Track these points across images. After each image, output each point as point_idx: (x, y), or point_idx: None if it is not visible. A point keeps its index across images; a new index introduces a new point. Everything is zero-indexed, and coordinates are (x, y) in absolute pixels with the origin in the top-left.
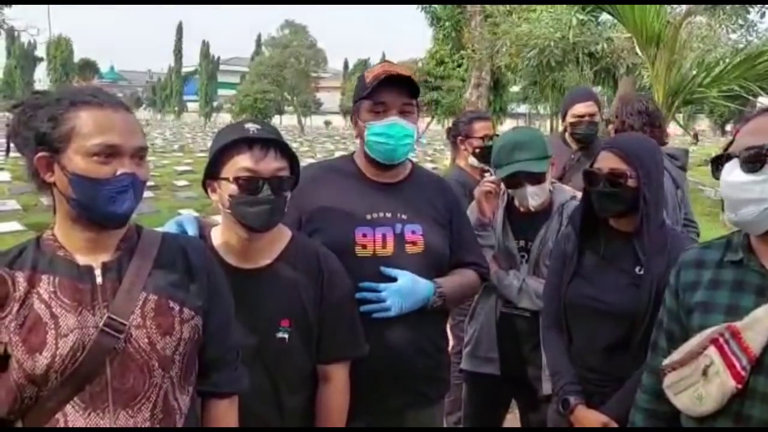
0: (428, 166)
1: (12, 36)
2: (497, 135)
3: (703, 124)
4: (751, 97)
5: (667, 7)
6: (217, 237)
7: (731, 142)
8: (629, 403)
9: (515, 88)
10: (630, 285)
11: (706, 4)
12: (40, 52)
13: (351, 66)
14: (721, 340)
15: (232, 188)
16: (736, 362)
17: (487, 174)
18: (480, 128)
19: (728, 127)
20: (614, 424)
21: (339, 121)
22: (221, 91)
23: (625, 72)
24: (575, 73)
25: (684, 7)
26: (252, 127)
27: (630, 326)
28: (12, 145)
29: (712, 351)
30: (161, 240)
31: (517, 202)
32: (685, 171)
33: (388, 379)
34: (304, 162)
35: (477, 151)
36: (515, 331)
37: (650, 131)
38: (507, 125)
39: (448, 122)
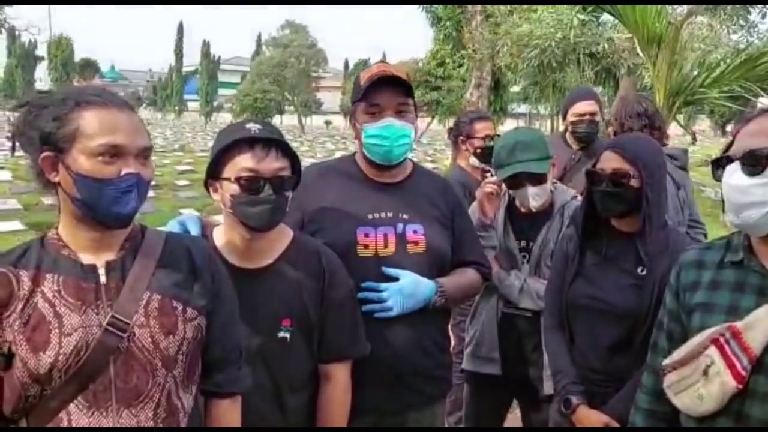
0: (429, 166)
1: (13, 35)
2: (498, 135)
3: (703, 124)
4: (752, 98)
5: (668, 8)
6: (218, 237)
7: (731, 144)
8: (630, 403)
9: (516, 88)
10: (632, 285)
11: (708, 4)
12: (41, 51)
13: (351, 66)
14: (721, 340)
15: (234, 188)
16: (736, 362)
17: (488, 174)
18: (481, 128)
19: (729, 128)
20: (615, 424)
21: (339, 121)
22: (222, 91)
23: (626, 72)
24: (576, 73)
25: (685, 7)
26: (253, 127)
27: (632, 326)
28: (17, 144)
29: (712, 351)
30: (165, 240)
31: (518, 203)
32: (686, 171)
33: (390, 379)
34: (305, 162)
35: (478, 151)
36: (516, 332)
37: (649, 133)
38: (507, 125)
39: (449, 122)
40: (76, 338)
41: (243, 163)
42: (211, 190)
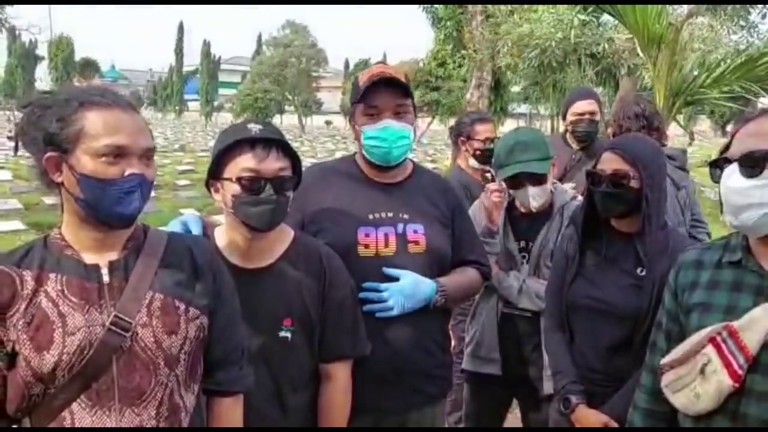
0: (429, 166)
1: (13, 35)
2: (498, 137)
3: (704, 124)
4: (752, 98)
5: (669, 9)
6: (220, 237)
7: (728, 145)
8: (629, 403)
9: (516, 89)
10: (631, 286)
11: (708, 3)
12: (42, 51)
13: (352, 66)
14: (718, 339)
15: (235, 188)
16: (733, 361)
17: (487, 175)
18: (482, 130)
19: (729, 128)
20: (614, 424)
21: (340, 121)
22: (222, 91)
23: (626, 73)
24: (577, 73)
25: (685, 8)
26: (254, 127)
27: (632, 327)
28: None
29: (709, 350)
30: (167, 240)
31: (518, 203)
32: (686, 171)
33: (391, 378)
34: (306, 161)
35: (478, 153)
36: (516, 332)
37: (647, 133)
38: (508, 125)
39: (449, 122)
40: (79, 338)
41: (244, 163)
42: (212, 190)
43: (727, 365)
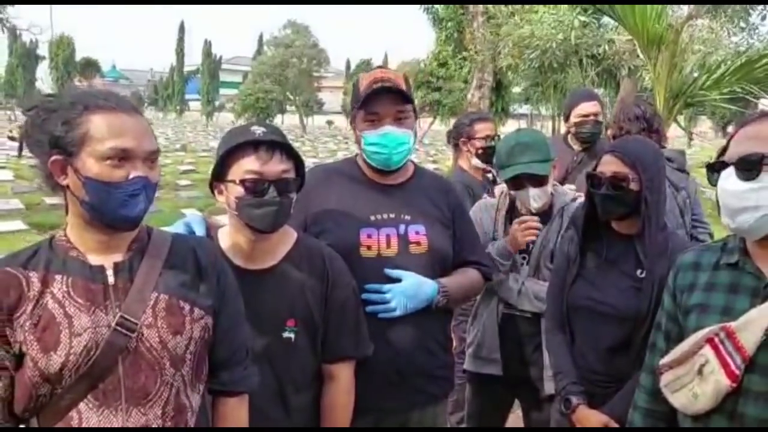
0: (430, 166)
1: (14, 34)
2: (499, 135)
3: (704, 125)
4: (752, 99)
5: (669, 10)
6: (223, 238)
7: (725, 149)
8: (630, 404)
9: (517, 89)
10: (631, 287)
11: (708, 4)
12: (43, 50)
13: (353, 66)
14: (716, 339)
15: (239, 190)
16: (730, 361)
17: (488, 175)
18: (482, 129)
19: (729, 128)
20: (614, 424)
21: (341, 121)
22: (223, 90)
23: (626, 74)
24: (577, 74)
25: (685, 10)
26: (258, 129)
27: (632, 328)
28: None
29: (707, 350)
30: (171, 241)
31: (518, 204)
32: (685, 173)
33: (393, 378)
34: (307, 161)
35: (480, 151)
36: (517, 333)
37: (647, 135)
38: (509, 126)
39: (450, 123)
40: (85, 338)
41: (248, 165)
42: (216, 192)
43: (725, 365)
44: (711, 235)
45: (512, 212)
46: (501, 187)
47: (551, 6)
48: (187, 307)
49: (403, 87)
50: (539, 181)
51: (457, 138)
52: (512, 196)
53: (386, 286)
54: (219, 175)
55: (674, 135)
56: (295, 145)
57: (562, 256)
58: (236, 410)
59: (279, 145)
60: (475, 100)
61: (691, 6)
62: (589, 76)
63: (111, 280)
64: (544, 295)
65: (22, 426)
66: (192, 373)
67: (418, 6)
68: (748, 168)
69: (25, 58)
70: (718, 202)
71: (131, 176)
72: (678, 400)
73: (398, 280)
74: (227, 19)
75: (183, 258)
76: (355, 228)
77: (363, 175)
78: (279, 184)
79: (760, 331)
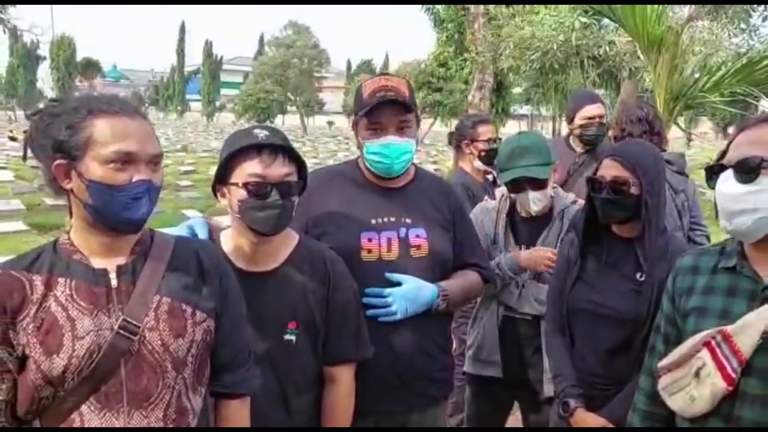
0: (431, 167)
1: (15, 35)
2: (500, 138)
3: (705, 126)
4: (753, 101)
5: (669, 12)
6: (226, 241)
7: (725, 152)
8: (629, 406)
9: (518, 90)
10: (631, 290)
11: (709, 4)
12: (43, 51)
13: (354, 66)
14: (713, 343)
15: (242, 193)
16: (726, 365)
17: (489, 176)
18: (485, 131)
19: (730, 130)
20: (612, 426)
21: (342, 122)
22: (224, 91)
23: (627, 75)
24: (578, 76)
25: (686, 12)
26: (261, 133)
27: (631, 331)
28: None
29: (704, 353)
30: (174, 244)
31: (518, 207)
32: (684, 175)
33: (393, 381)
34: (307, 162)
35: (482, 154)
36: (517, 335)
37: (649, 137)
38: (509, 127)
39: (451, 124)
40: (88, 341)
41: (250, 168)
42: (218, 195)
43: (721, 369)
44: (708, 238)
45: (513, 215)
46: (501, 190)
47: (552, 7)
48: (190, 310)
49: (407, 95)
50: (539, 184)
51: (459, 139)
52: (513, 199)
53: (387, 290)
54: (222, 178)
55: (674, 136)
56: (296, 145)
57: (562, 259)
58: (238, 412)
59: (281, 149)
60: (475, 101)
61: (692, 7)
62: (590, 78)
63: (114, 283)
64: (545, 298)
65: (25, 427)
66: (194, 376)
67: (419, 7)
68: (747, 171)
69: (25, 58)
70: (716, 204)
71: (134, 179)
72: (675, 402)
73: (398, 284)
74: (228, 19)
75: (186, 261)
76: (356, 232)
77: (364, 178)
78: (281, 187)
79: (756, 335)
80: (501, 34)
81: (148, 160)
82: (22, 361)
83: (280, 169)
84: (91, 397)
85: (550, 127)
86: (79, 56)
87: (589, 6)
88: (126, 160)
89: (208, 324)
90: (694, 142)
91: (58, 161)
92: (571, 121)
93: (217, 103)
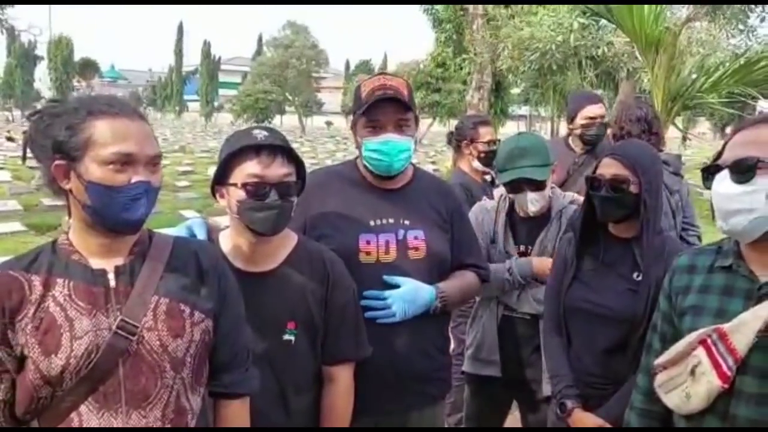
0: (430, 167)
1: (13, 35)
2: (499, 140)
3: (703, 126)
4: (750, 102)
5: (667, 12)
6: (224, 241)
7: (721, 152)
8: (626, 405)
9: (516, 91)
10: (628, 290)
11: (707, 4)
12: (41, 51)
13: (353, 67)
14: (709, 341)
15: (240, 194)
16: (722, 363)
17: (487, 177)
18: (485, 133)
19: (728, 130)
20: (609, 426)
21: (340, 122)
22: (222, 91)
23: (625, 76)
24: (576, 76)
25: (684, 12)
26: (260, 134)
27: (628, 330)
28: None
29: (700, 351)
30: (173, 244)
31: (517, 207)
32: (680, 176)
33: (391, 381)
34: (306, 162)
35: (482, 155)
36: (516, 334)
37: (647, 137)
38: (508, 127)
39: (450, 124)
40: (86, 341)
41: (249, 169)
42: (217, 195)
43: (717, 367)
44: (699, 238)
45: (512, 214)
46: (500, 190)
47: (551, 8)
48: (188, 311)
49: (405, 95)
50: (537, 185)
51: (459, 140)
52: (511, 199)
53: (386, 293)
54: (220, 179)
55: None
56: (295, 145)
57: (560, 258)
58: (237, 412)
59: (280, 149)
60: (474, 102)
61: (690, 8)
62: (588, 78)
63: (112, 283)
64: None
65: (23, 427)
66: (192, 376)
67: (417, 7)
68: (743, 171)
69: (23, 58)
70: (711, 205)
71: (133, 180)
72: (671, 400)
73: (396, 286)
74: (226, 19)
75: (184, 261)
76: (354, 234)
77: (363, 179)
78: (280, 187)
79: (752, 333)
80: (499, 34)
81: (147, 161)
82: (21, 361)
83: (278, 170)
84: (90, 397)
85: (549, 128)
86: (77, 56)
87: (587, 7)
88: (125, 161)
89: (206, 324)
90: (692, 142)
91: (57, 162)
92: (571, 121)
93: (215, 104)
